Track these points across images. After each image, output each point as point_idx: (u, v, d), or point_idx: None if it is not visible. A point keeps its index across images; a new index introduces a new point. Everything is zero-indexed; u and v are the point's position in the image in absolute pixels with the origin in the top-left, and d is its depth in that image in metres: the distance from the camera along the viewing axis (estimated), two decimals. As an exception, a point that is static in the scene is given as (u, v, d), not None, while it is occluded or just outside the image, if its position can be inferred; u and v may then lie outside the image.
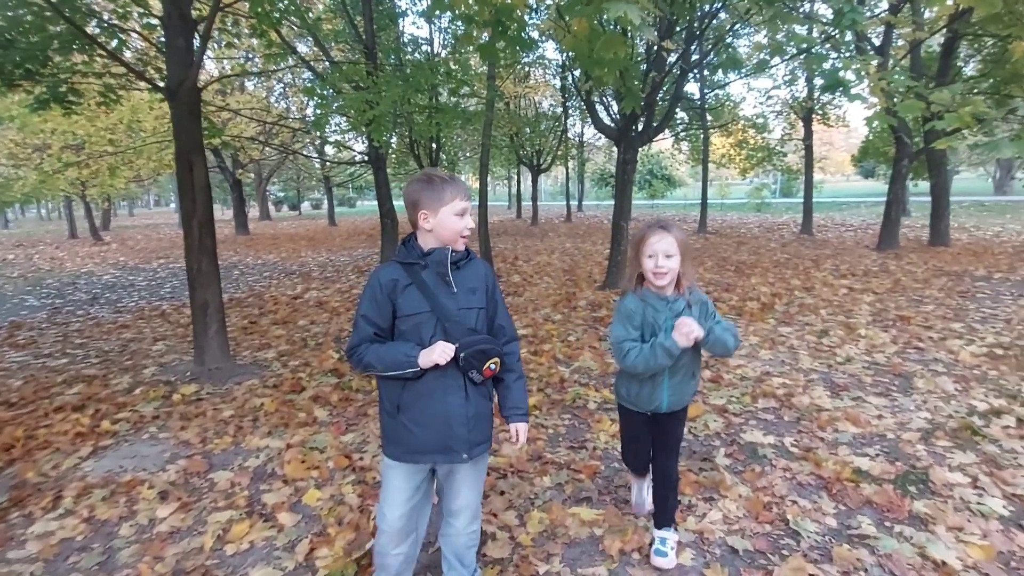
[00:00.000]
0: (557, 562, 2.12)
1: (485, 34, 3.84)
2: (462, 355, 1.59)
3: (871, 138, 16.79)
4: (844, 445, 2.93)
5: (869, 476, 2.60)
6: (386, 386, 1.68)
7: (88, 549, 2.33)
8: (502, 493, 2.59)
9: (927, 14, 9.65)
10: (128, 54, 6.22)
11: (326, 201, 27.28)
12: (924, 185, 12.72)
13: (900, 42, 10.20)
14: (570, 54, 7.86)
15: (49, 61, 4.84)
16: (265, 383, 4.24)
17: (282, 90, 20.66)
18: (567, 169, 24.20)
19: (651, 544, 2.13)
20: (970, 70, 11.12)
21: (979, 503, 2.34)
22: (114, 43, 5.02)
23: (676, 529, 2.15)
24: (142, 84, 5.11)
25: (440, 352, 1.57)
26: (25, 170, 15.27)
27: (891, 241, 10.38)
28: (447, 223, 1.64)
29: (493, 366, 1.65)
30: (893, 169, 10.59)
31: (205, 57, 4.69)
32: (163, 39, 5.14)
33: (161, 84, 4.66)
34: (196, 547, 2.29)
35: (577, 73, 10.37)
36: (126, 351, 5.41)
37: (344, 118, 8.26)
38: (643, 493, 2.38)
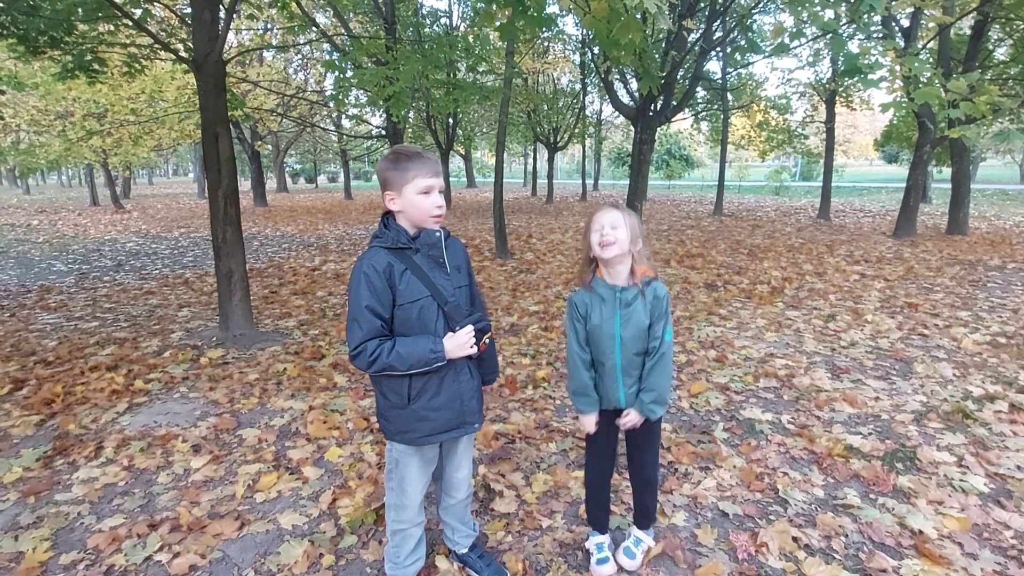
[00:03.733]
0: (559, 518, 2.29)
1: (505, 12, 3.88)
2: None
3: (895, 122, 16.44)
4: (839, 424, 3.06)
5: (859, 453, 2.73)
6: (390, 382, 1.64)
7: (130, 493, 2.55)
8: (510, 457, 2.76)
9: (958, -5, 9.39)
10: (151, 25, 6.33)
11: (342, 174, 27.41)
12: (948, 172, 12.50)
13: (931, 24, 9.94)
14: (590, 32, 7.81)
15: (74, 29, 4.94)
16: (287, 350, 4.45)
17: (300, 62, 20.65)
18: (584, 147, 24.01)
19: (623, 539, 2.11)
20: (1001, 54, 10.81)
21: (961, 480, 2.47)
22: (138, 13, 5.12)
23: (653, 533, 2.11)
24: (167, 55, 5.22)
25: (469, 343, 1.60)
26: (48, 137, 15.55)
27: (908, 228, 10.29)
28: (413, 202, 1.58)
29: (487, 340, 1.71)
30: (914, 155, 10.44)
31: (226, 28, 4.77)
32: (186, 10, 5.22)
33: (185, 56, 4.77)
34: (228, 494, 2.50)
35: (596, 50, 10.28)
36: (153, 316, 5.66)
37: (363, 92, 8.33)
38: (604, 551, 2.03)
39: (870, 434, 2.93)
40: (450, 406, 1.68)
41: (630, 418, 1.86)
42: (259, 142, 21.23)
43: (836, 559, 2.03)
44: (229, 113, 5.51)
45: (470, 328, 1.62)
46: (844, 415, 3.17)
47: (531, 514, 2.31)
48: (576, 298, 1.88)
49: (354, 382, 3.77)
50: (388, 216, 1.65)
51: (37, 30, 4.61)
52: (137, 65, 5.73)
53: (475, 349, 1.64)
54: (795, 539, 2.11)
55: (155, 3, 5.51)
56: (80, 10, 4.77)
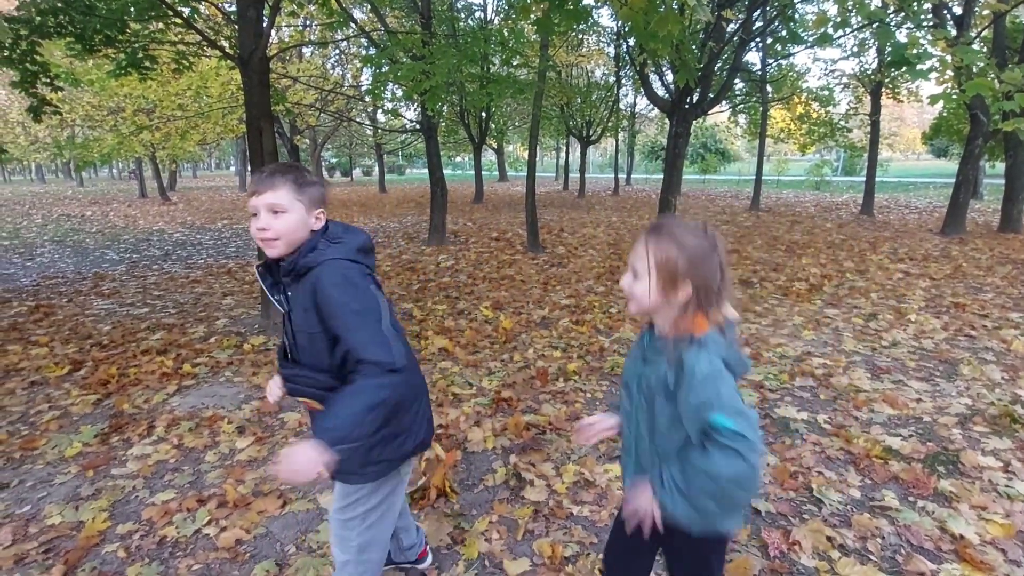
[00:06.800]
0: (587, 509, 2.32)
1: (542, 6, 3.90)
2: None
3: (944, 115, 15.72)
4: (878, 425, 2.99)
5: (899, 455, 2.67)
6: None
7: (180, 470, 2.69)
8: (541, 448, 2.80)
9: (1018, -20, 8.88)
10: (199, 23, 6.56)
11: (377, 168, 27.84)
12: (1001, 166, 11.88)
13: (985, 12, 9.45)
14: (625, 24, 7.72)
15: (127, 28, 5.17)
16: (324, 338, 4.58)
17: (337, 57, 20.99)
18: (617, 141, 23.78)
19: None
20: (1064, 42, 10.19)
21: (1007, 486, 2.39)
22: (187, 11, 5.32)
23: None
24: (214, 52, 5.42)
25: (269, 391, 1.54)
26: (101, 132, 16.27)
27: (957, 225, 9.86)
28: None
29: (304, 407, 1.48)
30: (965, 149, 9.98)
31: (268, 25, 4.90)
32: (231, 8, 5.39)
33: (231, 52, 4.93)
34: (272, 474, 2.62)
35: (632, 41, 10.16)
36: (199, 304, 5.90)
37: (399, 87, 8.45)
38: None
39: (911, 436, 2.86)
40: None
41: (638, 503, 1.19)
42: (298, 136, 21.69)
43: (872, 560, 2.00)
44: (272, 108, 5.68)
45: (274, 387, 1.53)
46: (884, 416, 3.09)
47: (560, 503, 2.35)
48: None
49: (389, 371, 3.87)
50: None
51: (93, 29, 4.84)
52: (185, 62, 5.96)
53: (272, 400, 1.54)
54: (829, 539, 2.09)
55: (202, 1, 5.72)
56: (133, 9, 4.98)
